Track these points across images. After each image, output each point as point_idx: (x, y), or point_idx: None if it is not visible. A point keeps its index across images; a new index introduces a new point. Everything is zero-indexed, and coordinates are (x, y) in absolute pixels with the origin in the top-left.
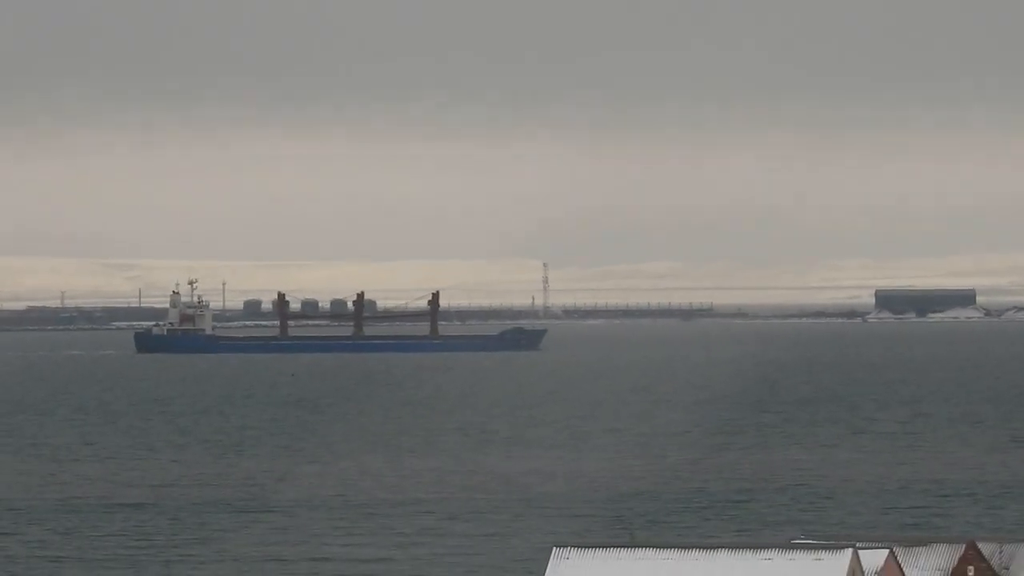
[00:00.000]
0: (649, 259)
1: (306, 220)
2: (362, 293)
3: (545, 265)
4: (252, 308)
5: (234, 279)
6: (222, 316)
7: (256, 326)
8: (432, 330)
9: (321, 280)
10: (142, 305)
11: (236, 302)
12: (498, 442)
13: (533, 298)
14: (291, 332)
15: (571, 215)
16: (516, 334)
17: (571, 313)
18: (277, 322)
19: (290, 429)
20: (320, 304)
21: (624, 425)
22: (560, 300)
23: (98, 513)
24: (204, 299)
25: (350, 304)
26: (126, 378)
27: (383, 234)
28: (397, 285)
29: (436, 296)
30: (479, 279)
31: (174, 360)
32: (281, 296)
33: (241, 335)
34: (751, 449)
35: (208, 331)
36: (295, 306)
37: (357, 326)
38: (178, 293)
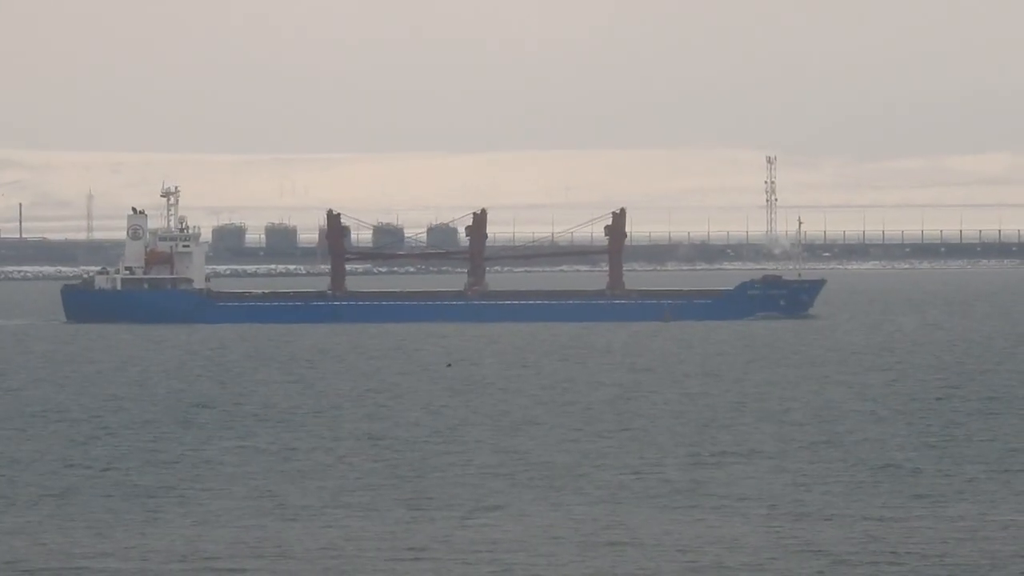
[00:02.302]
0: (965, 148)
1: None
2: (483, 212)
3: (771, 160)
4: (228, 240)
5: (194, 186)
6: None
7: (244, 273)
8: (614, 281)
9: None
10: (41, 236)
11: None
12: None
13: (747, 220)
14: (350, 280)
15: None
16: (771, 289)
17: (814, 249)
18: (327, 266)
19: None
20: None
21: None
22: (793, 223)
23: None
24: (189, 224)
25: (461, 232)
26: (52, 385)
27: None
28: (513, 191)
29: (620, 217)
30: (656, 183)
31: (139, 338)
32: (334, 217)
33: (258, 291)
34: None
35: (198, 282)
36: (363, 235)
37: (474, 271)
38: (142, 212)
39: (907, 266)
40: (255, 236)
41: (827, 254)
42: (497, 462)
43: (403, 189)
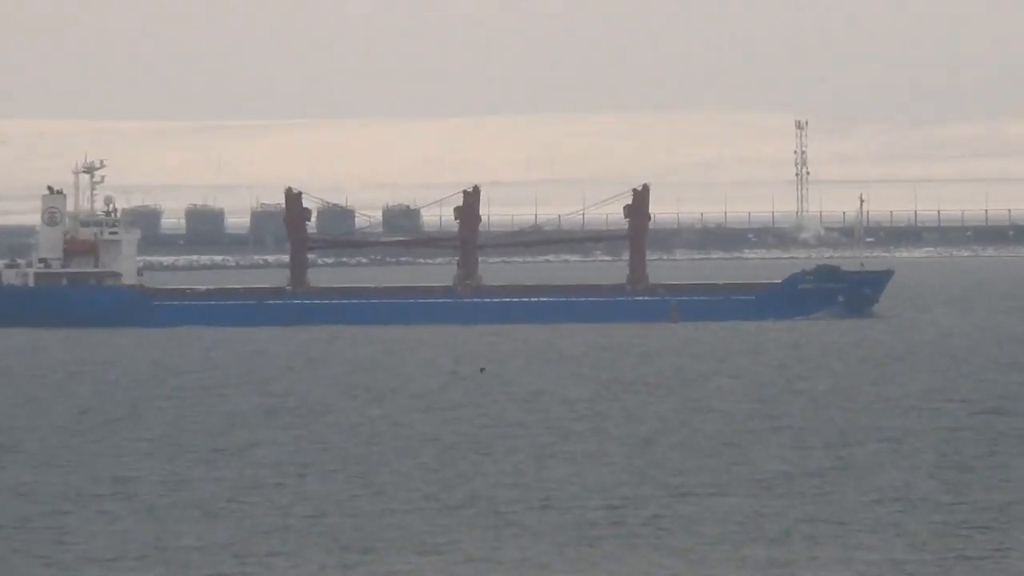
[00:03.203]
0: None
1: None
2: (476, 189)
3: (801, 125)
4: (138, 226)
5: (115, 159)
6: None
7: (160, 266)
8: (636, 272)
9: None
10: None
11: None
12: None
13: (773, 199)
14: (312, 274)
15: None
16: (827, 282)
17: (853, 233)
18: (262, 257)
19: None
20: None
21: None
22: (831, 201)
23: None
24: (117, 206)
25: (430, 215)
26: None
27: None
28: (487, 165)
29: (642, 195)
30: (658, 154)
31: (57, 346)
32: (294, 197)
33: (202, 288)
34: None
35: (129, 277)
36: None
37: (465, 262)
38: (59, 192)
39: (968, 253)
40: (173, 221)
41: (870, 239)
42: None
43: (354, 162)
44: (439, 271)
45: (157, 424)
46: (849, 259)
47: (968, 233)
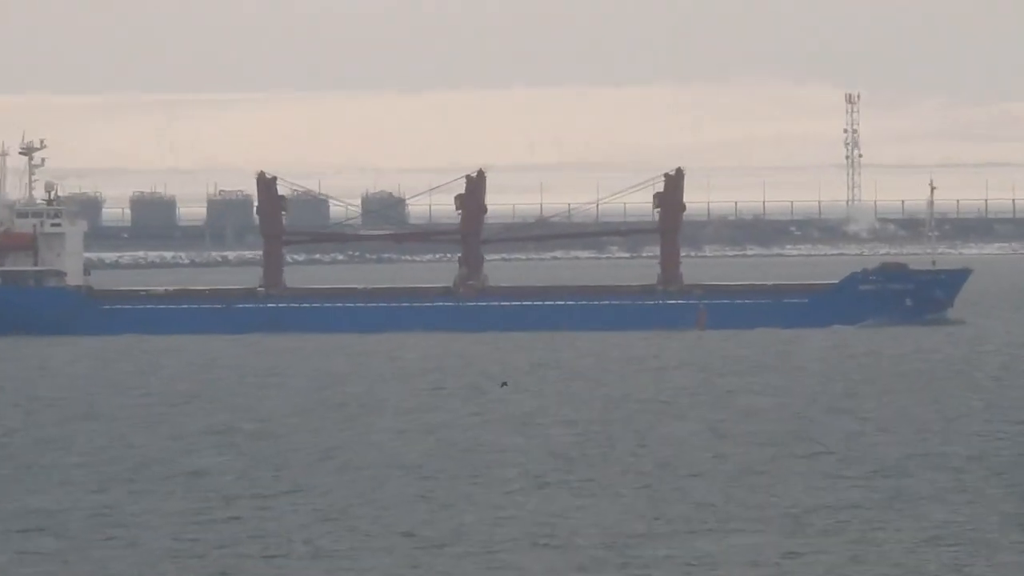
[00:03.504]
0: None
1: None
2: (480, 174)
3: (852, 99)
4: (84, 210)
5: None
6: None
7: (102, 264)
8: (669, 271)
9: (273, 139)
10: None
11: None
12: None
13: (819, 186)
14: (288, 269)
15: None
16: (893, 282)
17: (914, 226)
18: (220, 254)
19: None
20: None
21: None
22: (887, 188)
23: None
24: (59, 193)
25: (417, 205)
26: None
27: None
28: (482, 146)
29: (676, 181)
30: (680, 133)
31: None
32: (268, 183)
33: (160, 289)
34: None
35: (75, 276)
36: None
37: (468, 259)
38: None
39: None
40: (116, 211)
41: (934, 233)
42: None
43: (327, 143)
44: (427, 269)
45: (90, 448)
46: (913, 256)
47: None
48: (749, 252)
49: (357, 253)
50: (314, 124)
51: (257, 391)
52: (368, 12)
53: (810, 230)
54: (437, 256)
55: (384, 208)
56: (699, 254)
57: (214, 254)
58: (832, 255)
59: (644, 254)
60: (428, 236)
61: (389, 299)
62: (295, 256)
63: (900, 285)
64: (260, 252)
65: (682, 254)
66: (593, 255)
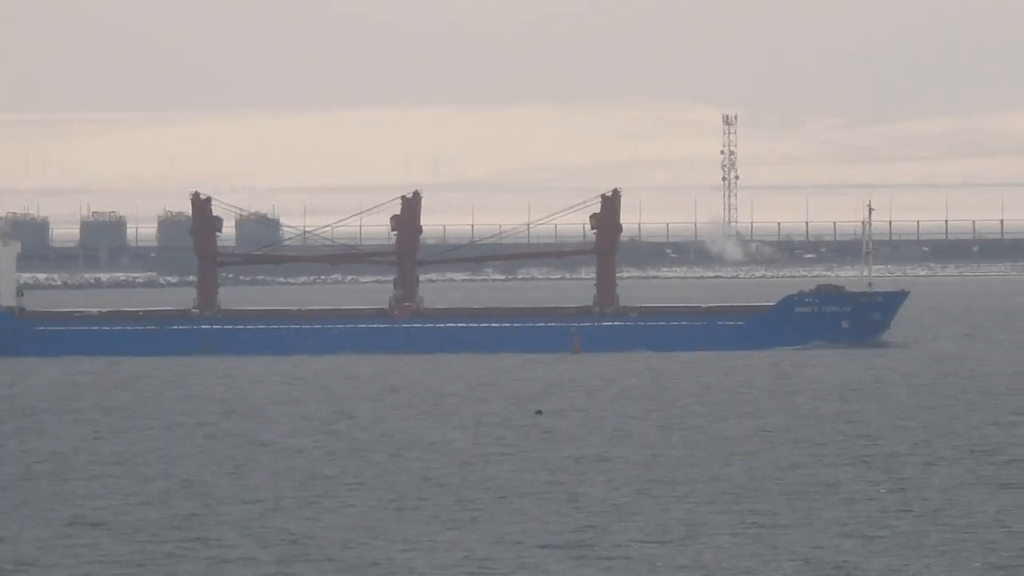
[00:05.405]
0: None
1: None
2: (416, 195)
3: (729, 120)
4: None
5: None
6: None
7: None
8: (605, 293)
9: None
10: None
11: None
12: None
13: (696, 206)
14: (224, 294)
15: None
16: (830, 304)
17: (791, 248)
18: (94, 276)
19: None
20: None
21: None
22: (765, 210)
23: None
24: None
25: (293, 225)
26: None
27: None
28: (348, 164)
29: (612, 202)
30: (555, 152)
31: None
32: (202, 203)
33: (93, 310)
34: None
35: (6, 298)
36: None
37: (404, 281)
38: None
39: (925, 272)
40: None
41: (810, 255)
42: None
43: (209, 163)
44: (368, 291)
45: None
46: (783, 278)
47: (925, 249)
48: (625, 274)
49: (234, 275)
50: (193, 144)
51: (143, 417)
52: (248, 33)
53: (686, 252)
54: (329, 278)
55: (258, 229)
56: (574, 276)
57: (87, 276)
58: (708, 277)
59: (561, 276)
60: (364, 257)
61: (324, 321)
62: (167, 279)
63: (837, 307)
64: (135, 274)
65: (558, 276)
66: (504, 277)
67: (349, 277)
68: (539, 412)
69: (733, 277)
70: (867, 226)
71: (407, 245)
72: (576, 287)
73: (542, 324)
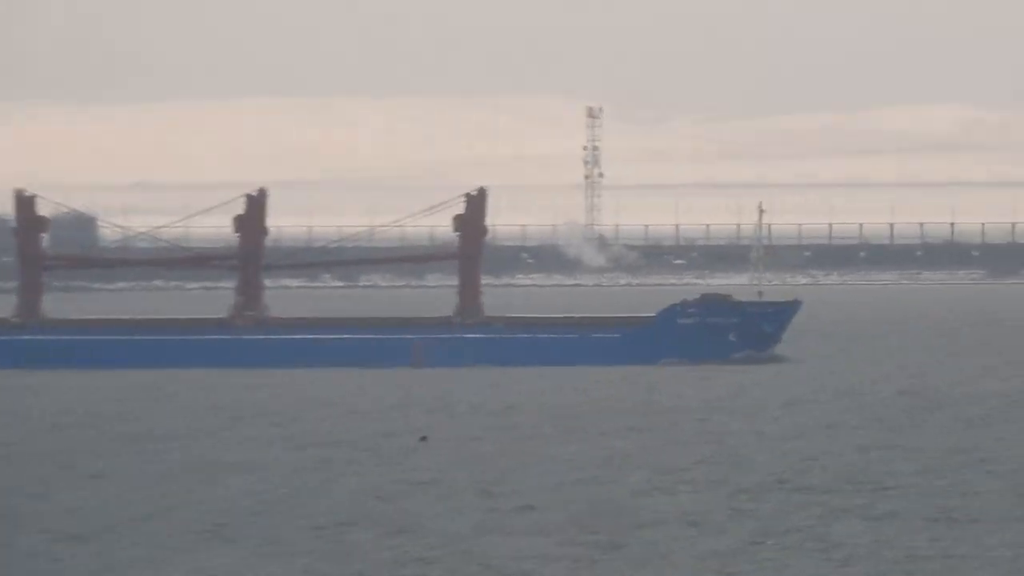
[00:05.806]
0: (897, 97)
1: None
2: (262, 192)
3: (594, 113)
4: None
5: None
6: None
7: None
8: (467, 301)
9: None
10: None
11: None
12: None
13: (555, 207)
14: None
15: None
16: (715, 315)
17: (659, 255)
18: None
19: None
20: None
21: None
22: (632, 212)
23: None
24: None
25: (111, 226)
26: None
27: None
28: (178, 161)
29: (477, 202)
30: (404, 150)
31: None
32: (26, 200)
33: None
34: None
35: None
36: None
37: (246, 288)
38: None
39: (807, 280)
40: None
41: (680, 261)
42: None
43: (30, 156)
44: (208, 298)
45: None
46: (654, 286)
47: (807, 254)
48: (482, 282)
49: (102, 284)
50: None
51: None
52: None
53: (545, 257)
54: (198, 285)
55: (72, 230)
56: (420, 283)
57: None
58: (568, 285)
59: (406, 284)
60: (204, 261)
61: (160, 331)
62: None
63: (723, 318)
64: None
65: (402, 284)
66: (345, 284)
67: (173, 283)
68: (423, 438)
69: (596, 285)
70: (758, 229)
71: (251, 248)
72: (423, 295)
73: (402, 336)
